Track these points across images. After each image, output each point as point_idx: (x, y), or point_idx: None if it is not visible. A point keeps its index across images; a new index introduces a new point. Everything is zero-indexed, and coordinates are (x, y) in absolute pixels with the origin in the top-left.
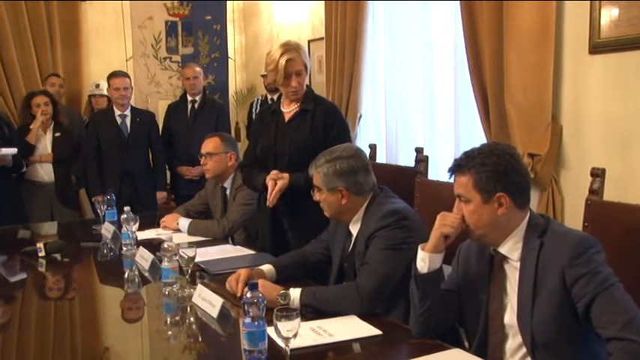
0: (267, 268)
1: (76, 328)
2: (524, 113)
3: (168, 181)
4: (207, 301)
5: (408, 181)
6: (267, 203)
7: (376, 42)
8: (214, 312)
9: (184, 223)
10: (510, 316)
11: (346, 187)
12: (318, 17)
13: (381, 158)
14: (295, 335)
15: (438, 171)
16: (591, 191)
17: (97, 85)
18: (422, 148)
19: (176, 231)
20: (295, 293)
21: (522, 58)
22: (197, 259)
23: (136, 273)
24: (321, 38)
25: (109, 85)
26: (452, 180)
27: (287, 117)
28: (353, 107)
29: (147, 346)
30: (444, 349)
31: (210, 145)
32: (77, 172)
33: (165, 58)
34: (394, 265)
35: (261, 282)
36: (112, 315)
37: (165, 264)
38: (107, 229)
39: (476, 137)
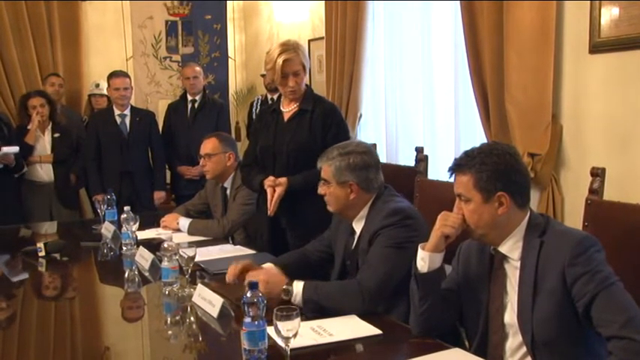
0: (268, 267)
1: (77, 328)
2: (524, 113)
3: (169, 181)
4: (208, 300)
5: (408, 180)
6: (269, 213)
7: (376, 41)
8: (214, 312)
9: (184, 222)
10: (510, 316)
11: (357, 182)
12: (319, 17)
13: (381, 158)
14: (295, 335)
15: (438, 170)
16: (591, 191)
17: (97, 85)
18: (422, 148)
19: (176, 231)
20: (298, 288)
21: (522, 58)
22: (197, 259)
23: (136, 273)
24: (322, 38)
25: (108, 84)
26: (452, 179)
27: (286, 117)
28: (353, 107)
29: (147, 346)
30: (444, 348)
31: (208, 146)
32: (77, 172)
33: (165, 58)
34: (396, 263)
35: (267, 272)
36: (112, 314)
37: (165, 264)
38: (107, 229)
39: (476, 137)
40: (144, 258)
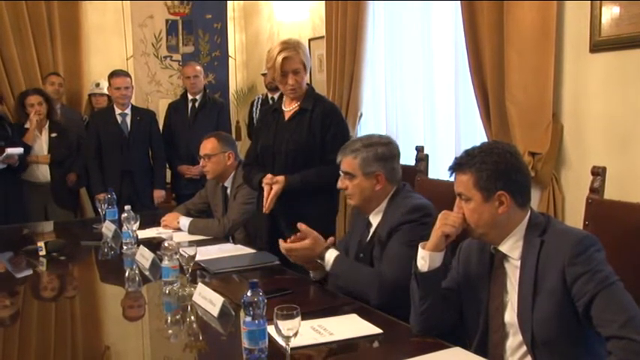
0: (314, 234)
1: (77, 327)
2: (524, 112)
3: (169, 180)
4: (208, 299)
5: (408, 179)
6: (264, 210)
7: (377, 41)
8: (215, 311)
9: (185, 222)
10: (511, 315)
11: (384, 172)
12: (319, 16)
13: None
14: (296, 334)
15: (439, 170)
16: (592, 190)
17: (98, 84)
18: (422, 147)
19: (176, 230)
20: (330, 257)
21: (523, 57)
22: (197, 258)
23: (137, 272)
24: (322, 37)
25: (109, 84)
26: (452, 179)
27: (287, 116)
28: (353, 106)
29: (147, 345)
30: (444, 347)
31: (208, 146)
32: (78, 171)
33: (165, 57)
34: (411, 262)
35: (314, 238)
36: (112, 314)
37: (165, 263)
38: (108, 228)
39: (476, 136)
40: (144, 257)
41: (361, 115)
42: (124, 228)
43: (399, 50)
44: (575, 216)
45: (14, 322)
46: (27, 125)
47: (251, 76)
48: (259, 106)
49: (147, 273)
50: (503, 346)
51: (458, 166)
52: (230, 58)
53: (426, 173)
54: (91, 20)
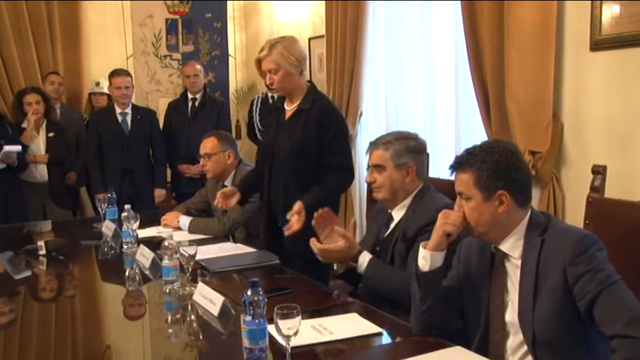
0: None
1: (78, 326)
2: (525, 111)
3: (169, 179)
4: (208, 299)
5: None
6: (286, 233)
7: (377, 39)
8: (215, 310)
9: (185, 221)
10: (511, 314)
11: (415, 164)
12: (319, 15)
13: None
14: (296, 333)
15: (439, 168)
16: (592, 188)
17: (98, 84)
18: None
19: (177, 229)
20: (364, 259)
21: (523, 56)
22: (198, 257)
23: (137, 271)
24: (322, 36)
25: (110, 83)
26: (453, 177)
27: (287, 115)
28: (354, 105)
29: (148, 344)
30: (445, 346)
31: (207, 145)
32: (78, 170)
33: (165, 56)
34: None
35: (349, 240)
36: (113, 313)
37: (165, 262)
38: (108, 227)
39: (476, 135)
40: (144, 256)
41: (361, 113)
42: (124, 227)
43: (399, 49)
44: (575, 215)
45: (14, 321)
46: (24, 125)
47: (251, 75)
48: (259, 105)
49: (147, 272)
50: (504, 345)
51: (458, 165)
52: (230, 57)
53: (427, 172)
54: (91, 20)
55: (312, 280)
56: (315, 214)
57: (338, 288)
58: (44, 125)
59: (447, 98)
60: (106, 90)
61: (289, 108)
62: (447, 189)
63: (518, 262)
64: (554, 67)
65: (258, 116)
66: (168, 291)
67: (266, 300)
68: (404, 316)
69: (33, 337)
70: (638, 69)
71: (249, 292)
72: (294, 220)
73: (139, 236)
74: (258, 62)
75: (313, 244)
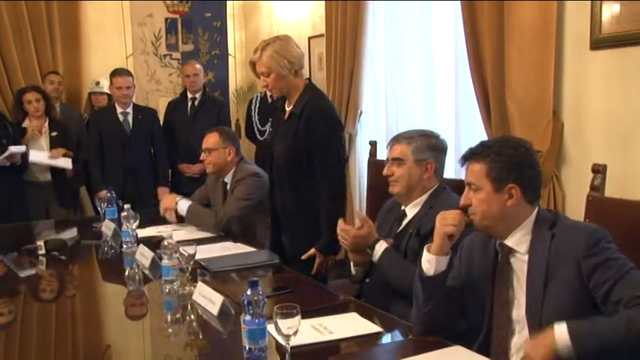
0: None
1: (78, 326)
2: (525, 110)
3: (169, 179)
4: (208, 298)
5: None
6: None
7: (376, 38)
8: (215, 309)
9: (184, 205)
10: (517, 311)
11: (434, 162)
12: (319, 14)
13: (381, 155)
14: (295, 333)
15: None
16: (592, 187)
17: (97, 83)
18: None
19: (175, 229)
20: (380, 249)
21: (523, 55)
22: (197, 257)
23: (137, 271)
24: (322, 35)
25: (111, 83)
26: (463, 168)
27: (285, 116)
28: (353, 104)
29: (148, 344)
30: (445, 345)
31: (209, 140)
32: (79, 168)
33: (165, 56)
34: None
35: (370, 227)
36: (113, 313)
37: (165, 262)
38: (107, 227)
39: (477, 134)
40: (144, 256)
41: (361, 112)
42: (124, 227)
43: (399, 48)
44: (575, 214)
45: (15, 321)
46: (24, 124)
47: (251, 75)
48: (258, 104)
49: (147, 272)
50: (508, 343)
51: (472, 155)
52: (230, 57)
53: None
54: (91, 19)
55: (312, 279)
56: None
57: (341, 288)
58: (46, 125)
59: (447, 97)
60: (106, 90)
61: (288, 109)
62: (449, 186)
63: (525, 258)
64: (555, 65)
65: (257, 115)
66: (168, 291)
67: (265, 299)
68: (410, 311)
69: (33, 336)
70: (638, 68)
71: (248, 292)
72: (317, 270)
73: (139, 236)
74: (253, 65)
75: (340, 224)
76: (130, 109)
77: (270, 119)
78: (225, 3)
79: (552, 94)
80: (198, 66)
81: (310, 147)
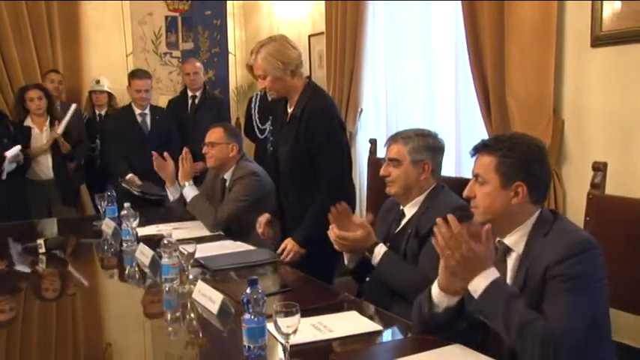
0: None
1: (78, 324)
2: (525, 107)
3: None
4: (208, 297)
5: None
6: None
7: (377, 37)
8: (214, 308)
9: (189, 192)
10: None
11: (431, 163)
12: (319, 12)
13: (381, 153)
14: (295, 331)
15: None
16: (593, 185)
17: (98, 82)
18: None
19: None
20: (380, 251)
21: (523, 52)
22: (197, 255)
23: (137, 269)
24: (322, 33)
25: (129, 84)
26: (470, 161)
27: (288, 117)
28: (354, 102)
29: (149, 342)
30: (444, 344)
31: (213, 135)
32: (78, 164)
33: (165, 54)
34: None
35: (368, 231)
36: (113, 311)
37: (165, 260)
38: (108, 226)
39: (477, 132)
40: (144, 254)
41: (361, 110)
42: (124, 225)
43: (399, 46)
44: (576, 211)
45: (16, 319)
46: (27, 122)
47: None
48: (258, 102)
49: (147, 270)
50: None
51: (484, 147)
52: (230, 55)
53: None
54: (91, 17)
55: (313, 278)
56: (332, 210)
57: (343, 287)
58: (47, 122)
59: (447, 95)
60: (106, 88)
61: (289, 110)
62: (448, 185)
63: (518, 258)
64: (555, 63)
65: (257, 114)
66: (167, 289)
67: (265, 298)
68: (411, 311)
69: (34, 334)
70: (639, 65)
71: (248, 291)
72: (285, 255)
73: (139, 234)
74: (250, 68)
75: (332, 230)
76: (147, 111)
77: (271, 118)
78: (225, 2)
79: (553, 92)
80: (198, 64)
81: (311, 149)
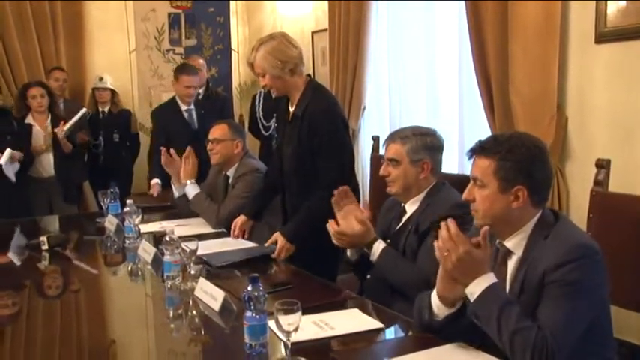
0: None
1: (82, 321)
2: (528, 104)
3: None
4: (209, 294)
5: None
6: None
7: (380, 34)
8: (216, 305)
9: (192, 190)
10: None
11: (430, 162)
12: (322, 9)
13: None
14: (296, 329)
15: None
16: (596, 182)
17: (101, 79)
18: None
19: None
20: (378, 248)
21: (527, 50)
22: (199, 252)
23: (139, 266)
24: (325, 30)
25: (176, 79)
26: (470, 161)
27: (290, 117)
28: (357, 99)
29: (152, 339)
30: (445, 342)
31: (217, 131)
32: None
33: (168, 51)
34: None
35: (367, 227)
36: (116, 308)
37: (167, 257)
38: (110, 222)
39: (480, 129)
40: (146, 251)
41: (364, 107)
42: (127, 222)
43: (402, 43)
44: (579, 209)
45: (20, 316)
46: (28, 120)
47: None
48: (261, 99)
49: (149, 267)
50: None
51: (481, 150)
52: (233, 52)
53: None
54: (94, 15)
55: (315, 275)
56: (335, 192)
57: (345, 284)
58: (49, 120)
59: (451, 93)
60: (109, 85)
61: (291, 109)
62: (450, 182)
63: (518, 261)
64: (559, 59)
65: (261, 111)
66: (169, 286)
67: (266, 295)
68: (411, 308)
69: (38, 331)
70: None
71: (249, 288)
72: (277, 254)
73: (142, 231)
74: (251, 65)
75: (331, 225)
76: (192, 106)
77: (275, 115)
78: (229, 2)
79: (556, 89)
80: (201, 61)
81: (313, 147)
